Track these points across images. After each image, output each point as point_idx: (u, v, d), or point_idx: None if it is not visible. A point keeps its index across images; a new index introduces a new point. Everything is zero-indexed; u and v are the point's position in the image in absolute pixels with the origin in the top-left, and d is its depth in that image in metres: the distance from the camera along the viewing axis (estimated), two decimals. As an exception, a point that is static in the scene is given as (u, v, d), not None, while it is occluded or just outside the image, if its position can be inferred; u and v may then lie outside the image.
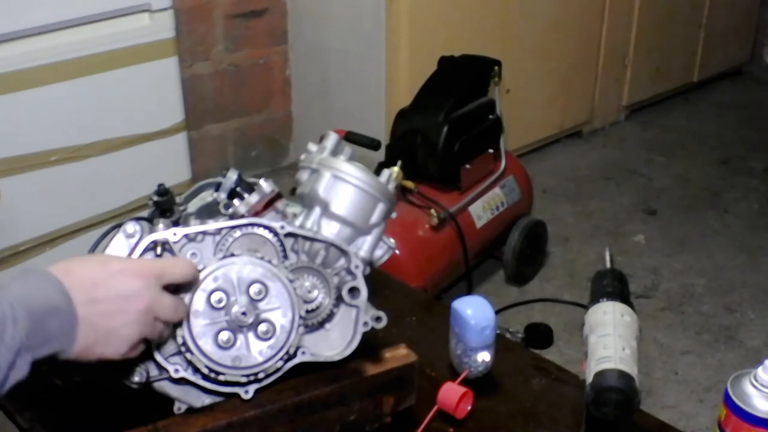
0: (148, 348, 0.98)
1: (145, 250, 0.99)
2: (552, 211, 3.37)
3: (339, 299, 1.06)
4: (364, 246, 1.11)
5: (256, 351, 1.00)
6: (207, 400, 1.03)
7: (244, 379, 1.00)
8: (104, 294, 0.87)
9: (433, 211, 2.55)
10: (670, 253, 3.15)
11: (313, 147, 1.16)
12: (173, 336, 0.99)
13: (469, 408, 1.16)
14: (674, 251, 3.17)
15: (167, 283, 0.93)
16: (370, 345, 1.10)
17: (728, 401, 1.06)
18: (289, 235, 1.05)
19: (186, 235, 1.01)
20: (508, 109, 3.00)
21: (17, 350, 0.79)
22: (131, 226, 1.00)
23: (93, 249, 1.15)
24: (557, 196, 3.52)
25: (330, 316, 1.07)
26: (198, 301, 0.98)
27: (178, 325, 0.97)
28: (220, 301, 0.98)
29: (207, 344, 0.98)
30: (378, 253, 1.12)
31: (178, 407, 1.02)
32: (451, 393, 1.15)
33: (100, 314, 0.86)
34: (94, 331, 0.86)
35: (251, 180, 1.15)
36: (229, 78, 3.43)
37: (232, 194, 1.13)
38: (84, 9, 2.48)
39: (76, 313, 0.85)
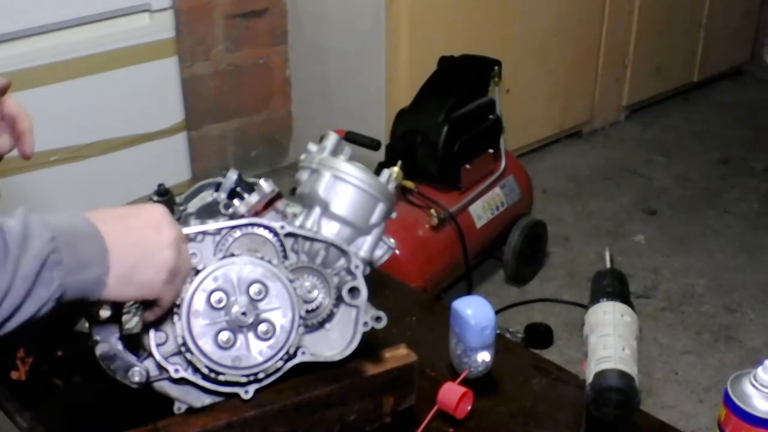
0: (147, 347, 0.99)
1: (145, 250, 0.99)
2: (552, 211, 3.37)
3: (339, 299, 1.06)
4: (364, 246, 1.11)
5: (256, 351, 1.00)
6: (207, 400, 1.03)
7: (244, 379, 1.00)
8: (135, 222, 0.88)
9: (433, 211, 2.55)
10: (670, 253, 3.15)
11: (313, 147, 1.16)
12: (173, 336, 0.99)
13: (469, 408, 1.16)
14: (674, 251, 3.17)
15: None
16: (370, 345, 1.10)
17: (728, 401, 1.06)
18: (289, 235, 1.05)
19: (186, 235, 1.01)
20: (508, 109, 3.00)
21: (44, 260, 0.78)
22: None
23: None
24: (557, 196, 3.52)
25: (330, 316, 1.07)
26: (198, 301, 0.98)
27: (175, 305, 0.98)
28: (220, 301, 0.98)
29: (207, 344, 0.98)
30: (378, 253, 1.12)
31: (178, 407, 1.02)
32: (451, 393, 1.15)
33: (133, 241, 0.87)
34: (129, 256, 0.86)
35: (251, 180, 1.15)
36: (229, 78, 3.43)
37: (232, 194, 1.13)
38: (84, 9, 2.48)
39: (106, 241, 0.84)
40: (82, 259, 0.82)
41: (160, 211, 0.92)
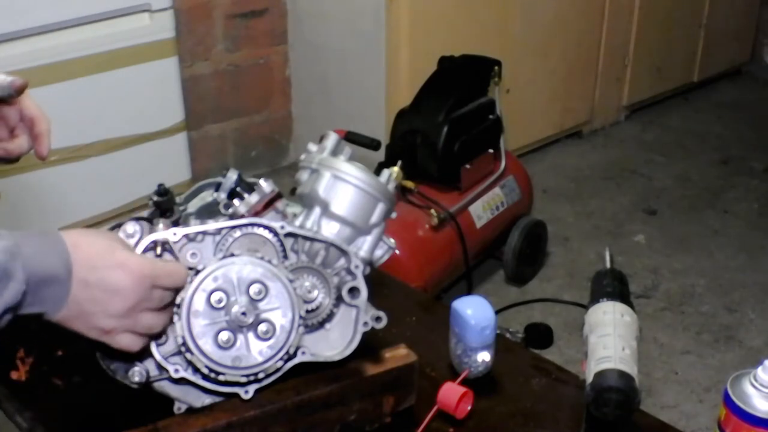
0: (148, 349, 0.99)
1: (145, 250, 0.99)
2: (552, 211, 3.37)
3: (339, 299, 1.06)
4: (364, 246, 1.11)
5: (256, 351, 1.00)
6: (207, 400, 1.03)
7: (244, 379, 1.00)
8: (96, 280, 0.89)
9: (433, 211, 2.55)
10: (670, 253, 3.15)
11: (313, 147, 1.16)
12: (173, 336, 0.99)
13: (469, 408, 1.16)
14: (674, 251, 3.17)
15: (160, 286, 0.94)
16: (370, 345, 1.10)
17: (728, 401, 1.06)
18: (289, 235, 1.05)
19: (186, 235, 1.01)
20: (508, 109, 3.00)
21: (6, 308, 0.83)
22: (131, 226, 1.00)
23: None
24: (557, 196, 3.52)
25: (330, 316, 1.07)
26: (198, 301, 0.98)
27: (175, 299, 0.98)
28: (220, 301, 0.98)
29: (207, 344, 0.98)
30: (378, 253, 1.12)
31: (178, 407, 1.02)
32: (451, 393, 1.15)
33: (86, 298, 0.89)
34: (77, 308, 0.89)
35: (251, 180, 1.15)
36: (229, 78, 3.43)
37: (232, 194, 1.13)
38: (84, 9, 2.48)
39: (70, 288, 0.88)
40: (42, 299, 0.87)
41: (130, 275, 0.91)
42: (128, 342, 0.94)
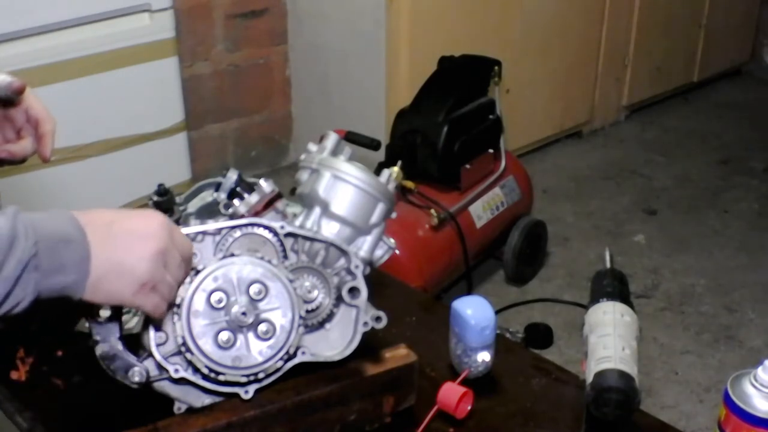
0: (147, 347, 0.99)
1: (145, 250, 0.99)
2: (552, 211, 3.37)
3: (339, 299, 1.06)
4: (364, 246, 1.11)
5: (256, 351, 1.00)
6: (207, 400, 1.03)
7: (244, 379, 1.00)
8: (120, 229, 0.88)
9: (433, 211, 2.55)
10: (670, 253, 3.15)
11: (313, 147, 1.16)
12: (174, 336, 0.99)
13: (469, 408, 1.16)
14: (674, 251, 3.17)
15: (176, 244, 0.93)
16: (370, 345, 1.10)
17: (728, 401, 1.06)
18: (289, 235, 1.05)
19: (186, 235, 1.01)
20: (508, 109, 3.00)
21: (26, 264, 0.80)
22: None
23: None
24: (557, 196, 3.52)
25: (330, 316, 1.07)
26: (198, 301, 0.98)
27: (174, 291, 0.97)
28: (220, 301, 0.98)
29: (207, 344, 0.98)
30: (378, 253, 1.12)
31: (178, 407, 1.02)
32: (451, 393, 1.15)
33: (114, 248, 0.87)
34: (107, 263, 0.86)
35: (251, 180, 1.15)
36: (229, 78, 3.43)
37: (232, 194, 1.13)
38: (84, 9, 2.48)
39: (89, 247, 0.85)
40: (60, 264, 0.83)
41: (153, 220, 0.91)
42: (155, 303, 0.91)
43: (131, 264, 0.88)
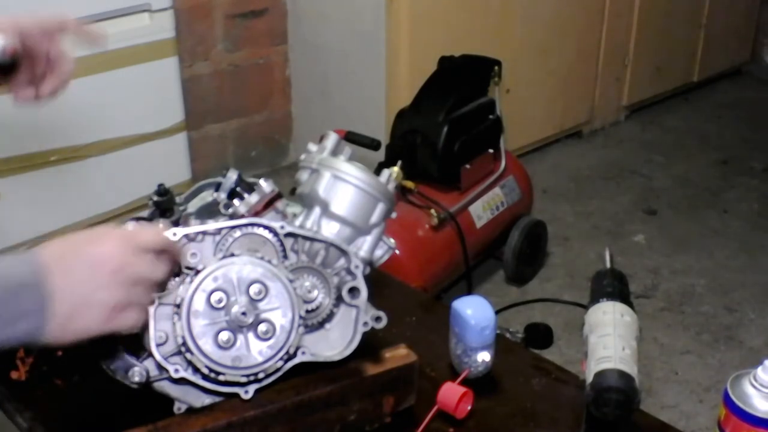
0: (146, 348, 0.99)
1: (145, 250, 0.99)
2: (552, 211, 3.37)
3: (339, 299, 1.06)
4: (364, 246, 1.11)
5: (256, 351, 1.00)
6: (207, 400, 1.03)
7: (244, 379, 1.00)
8: (74, 261, 0.85)
9: (433, 211, 2.55)
10: (670, 253, 3.15)
11: (313, 147, 1.16)
12: (174, 336, 0.99)
13: (469, 408, 1.16)
14: (674, 251, 3.17)
15: (141, 248, 0.90)
16: (370, 345, 1.10)
17: (728, 401, 1.06)
18: (289, 235, 1.05)
19: (186, 235, 1.01)
20: (508, 109, 3.00)
21: None
22: (131, 226, 1.00)
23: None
24: (557, 196, 3.52)
25: (330, 316, 1.07)
26: (198, 301, 0.98)
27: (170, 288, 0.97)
28: (220, 301, 0.98)
29: (207, 344, 0.98)
30: (378, 253, 1.12)
31: (178, 407, 1.02)
32: (451, 393, 1.15)
33: (72, 283, 0.84)
34: (69, 303, 0.84)
35: (251, 180, 1.15)
36: (229, 78, 3.43)
37: (232, 194, 1.13)
38: (84, 9, 2.47)
39: (48, 288, 0.83)
40: (22, 311, 0.81)
41: (107, 239, 0.87)
42: (133, 319, 0.89)
43: (92, 296, 0.85)
